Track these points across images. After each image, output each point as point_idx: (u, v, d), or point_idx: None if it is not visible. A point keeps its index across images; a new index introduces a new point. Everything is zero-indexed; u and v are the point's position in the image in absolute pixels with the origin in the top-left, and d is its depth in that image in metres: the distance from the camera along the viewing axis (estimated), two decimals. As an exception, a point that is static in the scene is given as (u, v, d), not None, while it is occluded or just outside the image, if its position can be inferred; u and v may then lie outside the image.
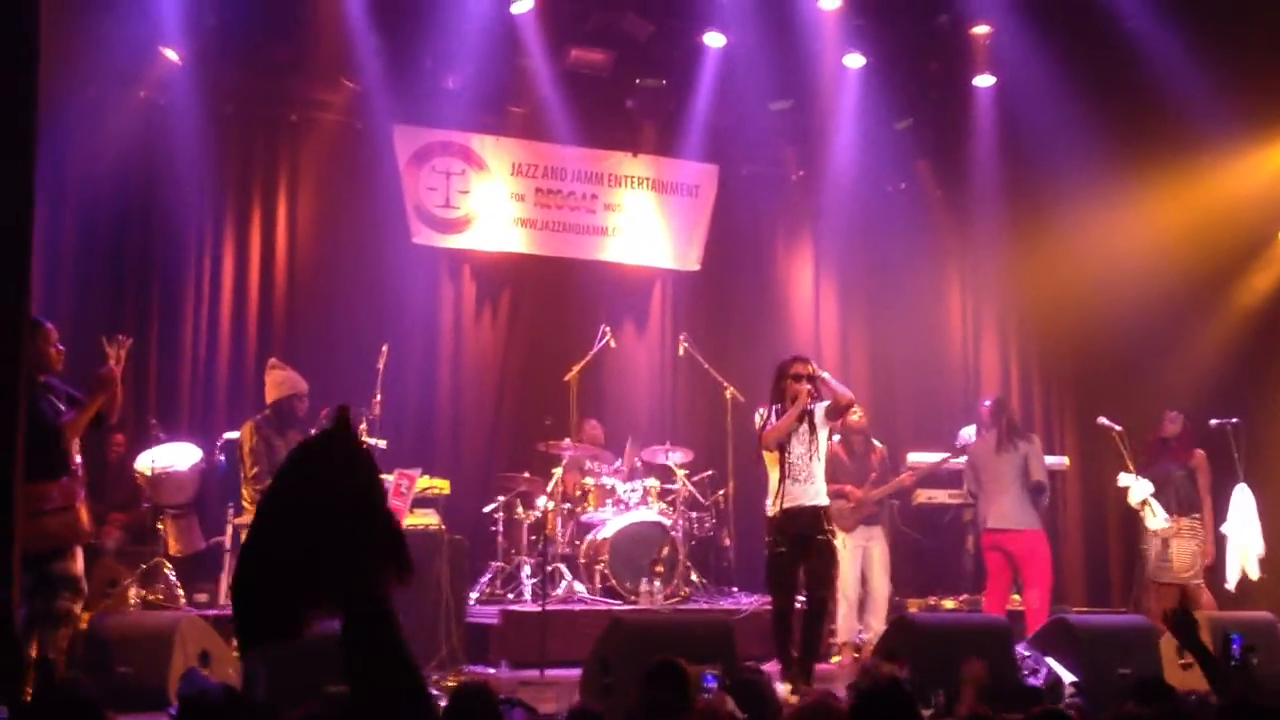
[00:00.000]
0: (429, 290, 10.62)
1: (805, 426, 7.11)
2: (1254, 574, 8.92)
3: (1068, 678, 6.58)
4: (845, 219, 11.63)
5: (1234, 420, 9.24)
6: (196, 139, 9.62)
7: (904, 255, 11.72)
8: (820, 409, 7.17)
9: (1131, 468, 8.91)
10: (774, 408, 7.21)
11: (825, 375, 7.26)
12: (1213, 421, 9.29)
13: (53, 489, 5.86)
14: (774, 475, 7.13)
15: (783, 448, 7.07)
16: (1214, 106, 9.74)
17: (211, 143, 9.78)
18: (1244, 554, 8.95)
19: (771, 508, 7.09)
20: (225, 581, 8.68)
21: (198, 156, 9.66)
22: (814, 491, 7.10)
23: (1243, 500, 9.01)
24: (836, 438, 8.91)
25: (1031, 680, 6.64)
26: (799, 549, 7.03)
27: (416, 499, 7.53)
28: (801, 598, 7.22)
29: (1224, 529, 8.96)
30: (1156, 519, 8.66)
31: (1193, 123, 9.96)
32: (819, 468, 7.14)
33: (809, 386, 7.12)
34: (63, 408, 6.02)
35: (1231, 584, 8.93)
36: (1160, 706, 4.34)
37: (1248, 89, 9.70)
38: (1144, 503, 8.76)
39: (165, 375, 9.63)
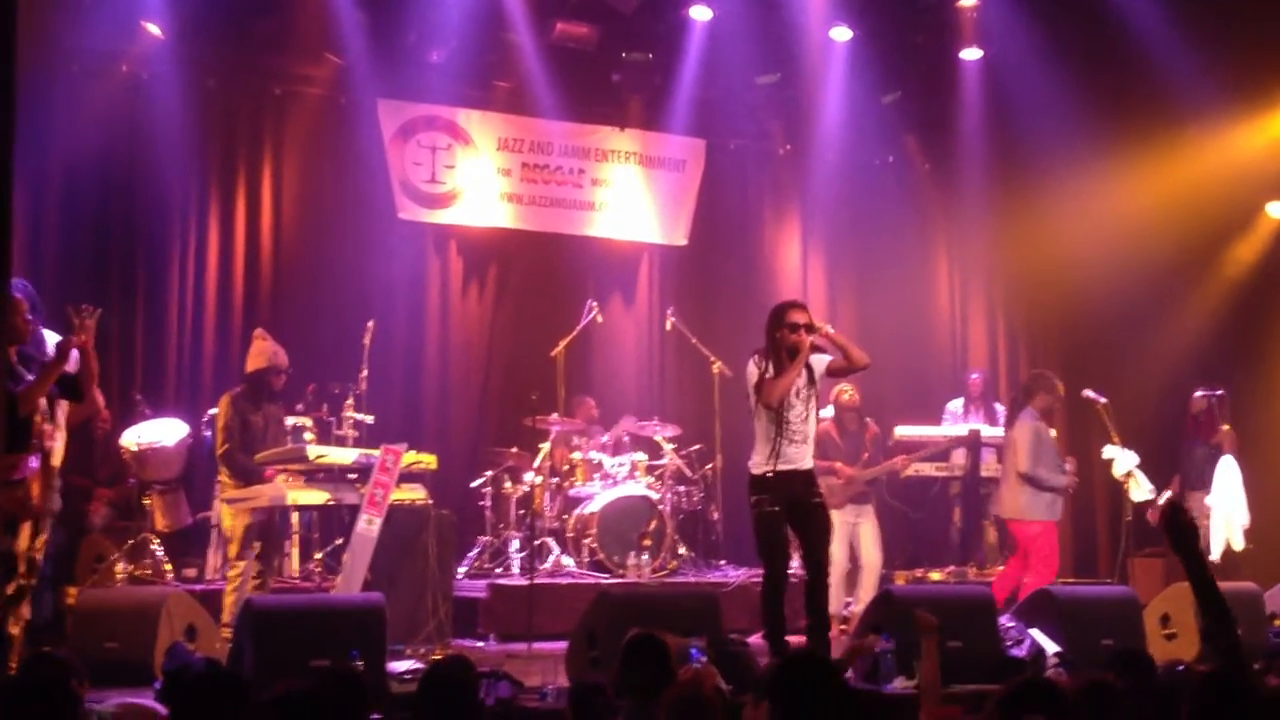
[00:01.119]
0: (415, 266, 10.57)
1: (805, 382, 6.55)
2: (1238, 545, 8.97)
3: (1051, 648, 6.61)
4: (832, 193, 11.61)
5: (1219, 392, 9.29)
6: (180, 114, 9.55)
7: (891, 229, 11.71)
8: (820, 364, 6.61)
9: (1116, 440, 8.93)
10: (768, 361, 6.55)
11: (831, 330, 6.65)
12: (1198, 393, 9.34)
13: (8, 462, 5.75)
14: (767, 432, 6.53)
15: (782, 404, 6.52)
16: (1200, 80, 9.75)
17: (195, 117, 9.71)
18: (1229, 525, 8.99)
19: (762, 466, 6.54)
20: (212, 557, 8.69)
21: (181, 131, 9.58)
22: (806, 453, 6.61)
23: (1227, 471, 9.05)
24: (829, 410, 8.91)
25: (1015, 651, 6.68)
26: (791, 513, 6.54)
27: (403, 474, 7.52)
28: (795, 565, 7.09)
29: (1208, 500, 9.00)
30: (1141, 490, 8.70)
31: (1179, 96, 9.98)
32: (813, 429, 6.69)
33: (810, 337, 6.48)
34: (30, 379, 5.97)
35: (1216, 555, 8.97)
36: (1137, 679, 4.35)
37: (1234, 62, 9.70)
38: (1128, 474, 8.79)
39: (151, 351, 9.60)
